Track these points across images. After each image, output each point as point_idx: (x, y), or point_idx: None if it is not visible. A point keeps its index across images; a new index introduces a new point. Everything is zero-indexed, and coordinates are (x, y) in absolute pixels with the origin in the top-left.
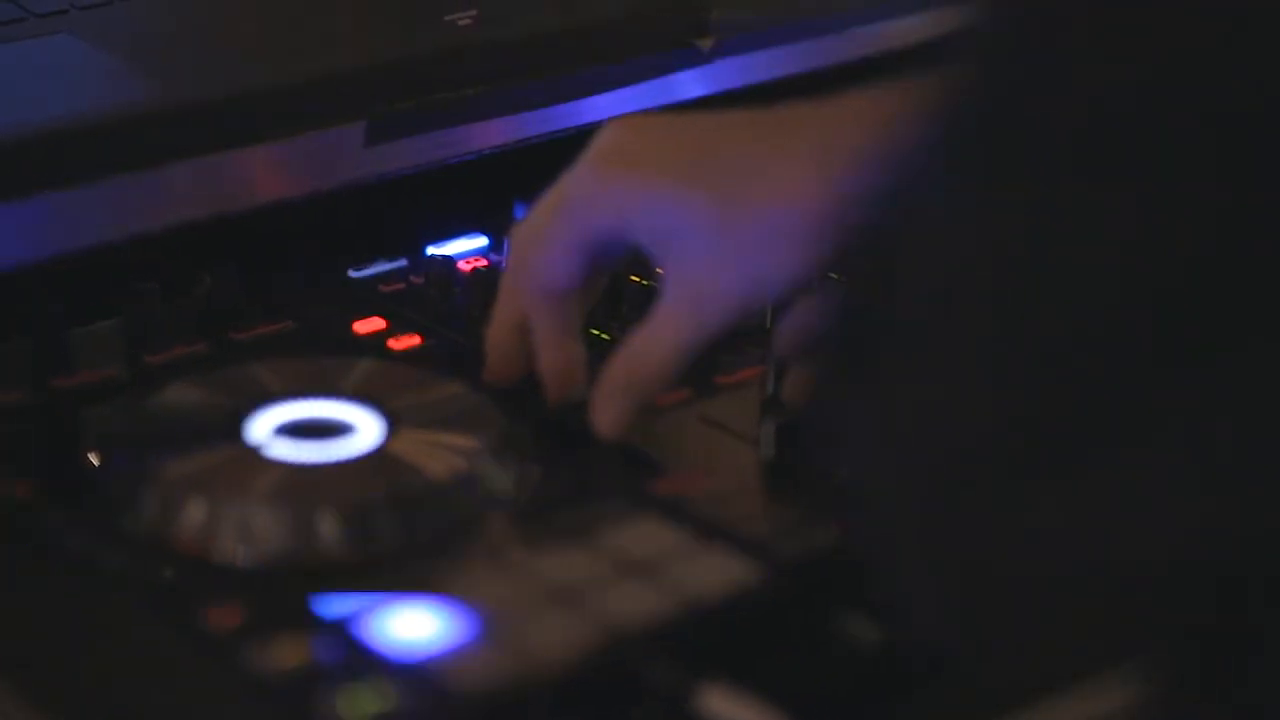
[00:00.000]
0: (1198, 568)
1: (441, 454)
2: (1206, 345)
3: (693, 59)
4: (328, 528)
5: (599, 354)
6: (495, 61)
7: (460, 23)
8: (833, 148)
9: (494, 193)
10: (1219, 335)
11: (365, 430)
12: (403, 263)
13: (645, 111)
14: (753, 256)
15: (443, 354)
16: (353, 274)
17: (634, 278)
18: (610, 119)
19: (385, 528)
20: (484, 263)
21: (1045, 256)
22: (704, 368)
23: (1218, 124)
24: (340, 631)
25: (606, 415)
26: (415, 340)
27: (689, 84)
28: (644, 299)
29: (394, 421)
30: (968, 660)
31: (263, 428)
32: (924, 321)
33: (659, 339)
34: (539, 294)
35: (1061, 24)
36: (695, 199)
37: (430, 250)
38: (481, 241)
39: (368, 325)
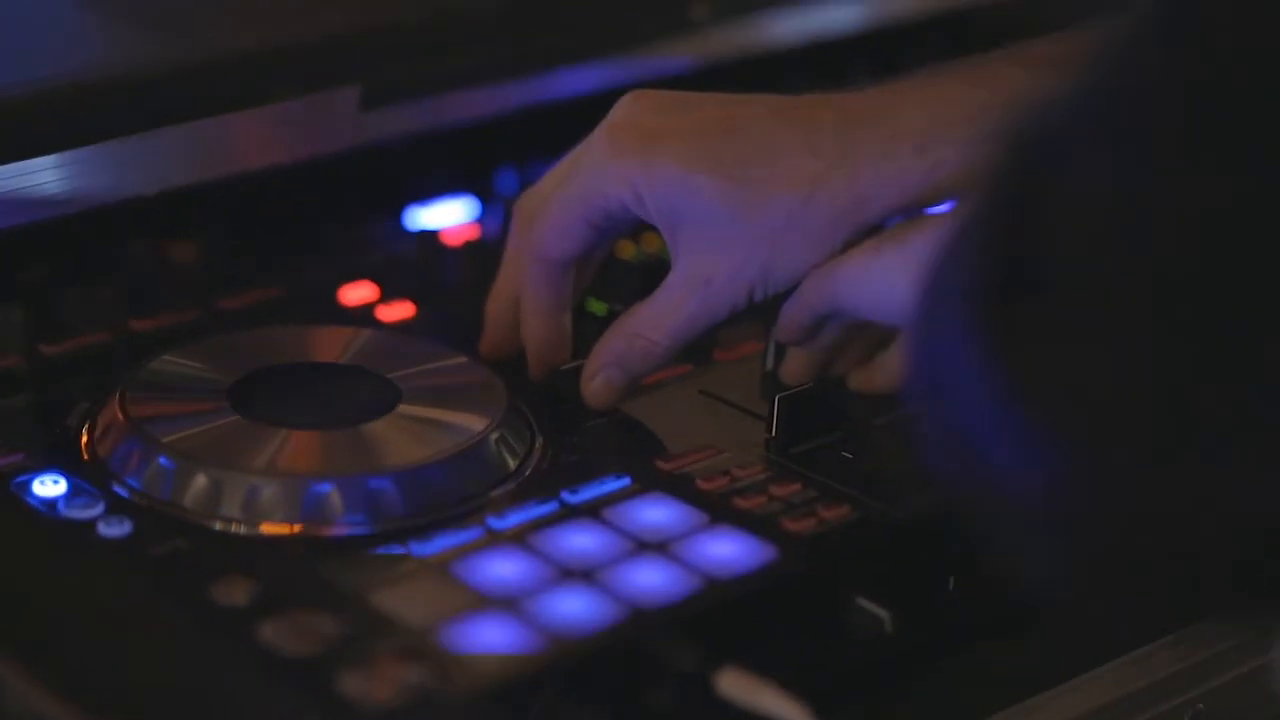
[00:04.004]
0: None
1: (447, 427)
2: None
3: (688, 27)
4: (335, 500)
5: (595, 328)
6: (489, 28)
7: None
8: (855, 143)
9: (483, 158)
10: None
11: (372, 402)
12: (393, 229)
13: (660, 89)
14: (766, 244)
15: (437, 324)
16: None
17: (628, 250)
18: (628, 93)
19: (392, 501)
20: (474, 231)
21: (1240, 230)
22: (705, 342)
23: None
24: (351, 605)
25: (598, 387)
26: (408, 309)
27: (683, 53)
28: (638, 274)
29: (399, 393)
30: (1084, 606)
31: (266, 397)
32: (1086, 284)
33: (664, 316)
34: (536, 263)
35: None
36: (712, 182)
37: (419, 216)
38: (471, 208)
39: (358, 293)
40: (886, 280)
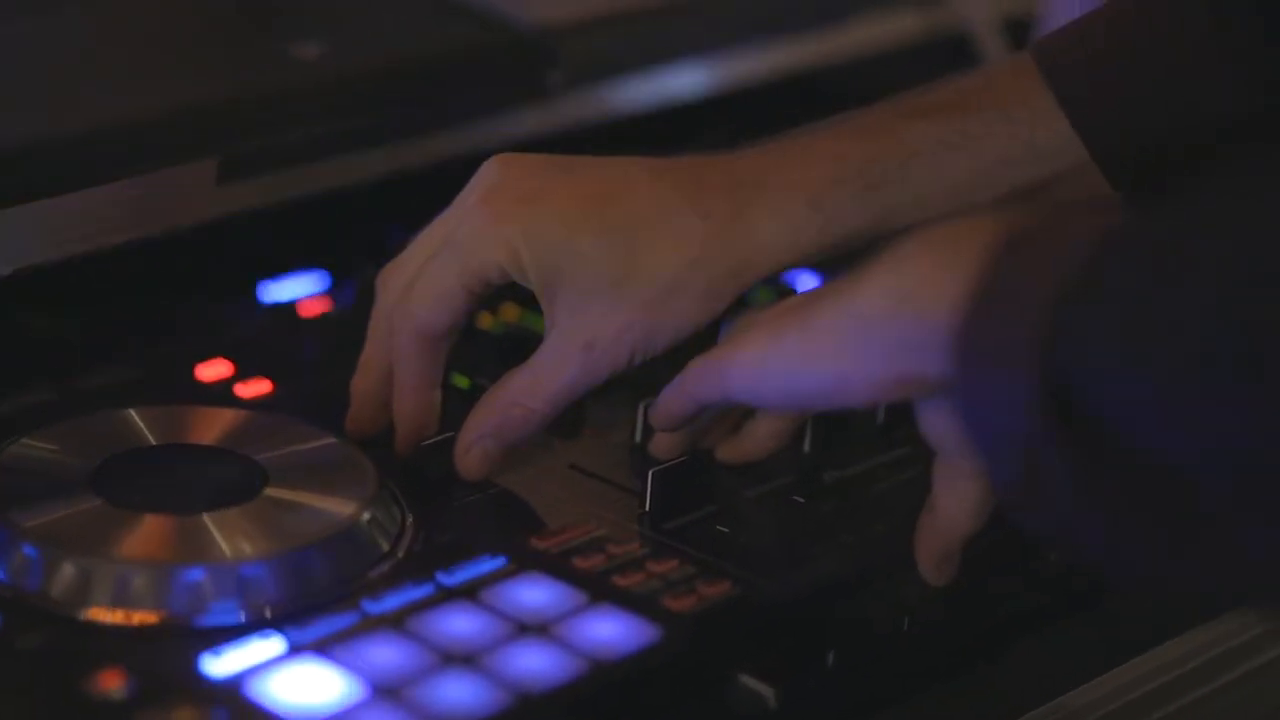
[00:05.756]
0: None
1: (317, 510)
2: None
3: (543, 94)
4: (206, 586)
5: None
6: (343, 98)
7: (304, 58)
8: (746, 202)
9: (334, 230)
10: None
11: (239, 484)
12: (246, 304)
13: (526, 153)
14: (651, 308)
15: (295, 400)
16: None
17: (487, 321)
18: (493, 157)
19: (265, 588)
20: (327, 304)
21: None
22: (572, 416)
23: None
24: (229, 697)
25: (474, 459)
26: (265, 385)
27: (538, 120)
28: (497, 344)
29: (266, 475)
30: None
31: (131, 482)
32: None
33: (542, 383)
34: (413, 336)
35: None
36: (597, 245)
37: (272, 290)
38: (324, 280)
39: (214, 370)
40: (788, 368)
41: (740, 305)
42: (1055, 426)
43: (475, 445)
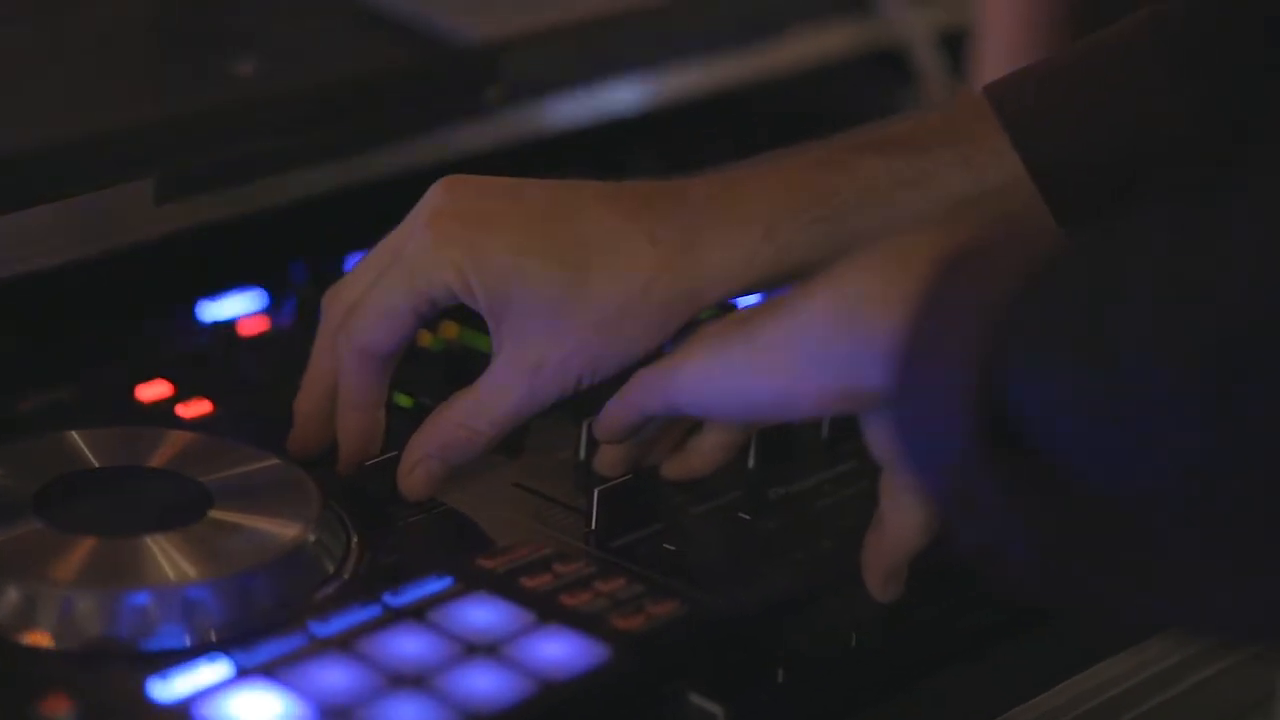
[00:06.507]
0: None
1: (262, 532)
2: None
3: (481, 110)
4: (150, 609)
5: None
6: (281, 116)
7: (242, 75)
8: (700, 229)
9: (273, 248)
10: None
11: (183, 507)
12: (185, 323)
13: (466, 175)
14: (600, 332)
15: (235, 420)
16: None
17: (426, 339)
18: (441, 179)
19: (211, 611)
20: (266, 322)
21: None
22: (516, 434)
23: None
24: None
25: (417, 479)
26: (206, 406)
27: (477, 136)
28: (440, 361)
29: (210, 497)
30: None
31: (73, 505)
32: None
33: (489, 405)
34: (359, 354)
35: None
36: (546, 269)
37: (210, 309)
38: (262, 299)
39: (153, 391)
40: (734, 379)
41: (687, 326)
42: (988, 444)
43: (419, 466)
